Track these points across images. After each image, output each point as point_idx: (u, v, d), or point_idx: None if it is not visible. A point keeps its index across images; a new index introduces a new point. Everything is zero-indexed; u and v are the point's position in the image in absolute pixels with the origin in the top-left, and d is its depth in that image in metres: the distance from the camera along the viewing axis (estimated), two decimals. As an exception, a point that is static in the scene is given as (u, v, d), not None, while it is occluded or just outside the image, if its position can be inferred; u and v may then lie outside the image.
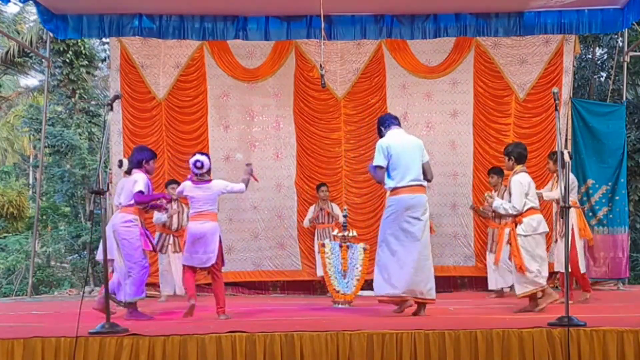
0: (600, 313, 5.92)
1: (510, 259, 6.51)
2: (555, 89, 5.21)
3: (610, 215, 9.49)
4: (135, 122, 9.70)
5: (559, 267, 7.08)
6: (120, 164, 6.46)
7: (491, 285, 8.65)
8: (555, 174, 7.34)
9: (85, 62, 14.16)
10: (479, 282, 9.49)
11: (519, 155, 6.34)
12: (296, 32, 9.17)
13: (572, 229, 6.98)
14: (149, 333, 4.56)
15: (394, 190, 5.96)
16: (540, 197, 6.75)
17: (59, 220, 14.69)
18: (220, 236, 6.17)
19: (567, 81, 9.59)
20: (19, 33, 16.47)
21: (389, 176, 6.02)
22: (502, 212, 6.40)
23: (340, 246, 7.59)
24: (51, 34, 9.99)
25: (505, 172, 7.24)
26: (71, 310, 6.20)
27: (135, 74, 9.68)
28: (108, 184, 9.14)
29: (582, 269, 7.35)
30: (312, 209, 9.43)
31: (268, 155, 9.81)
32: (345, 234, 7.71)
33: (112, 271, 6.37)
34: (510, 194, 6.28)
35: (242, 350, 4.44)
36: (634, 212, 11.48)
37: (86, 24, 9.05)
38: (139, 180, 6.16)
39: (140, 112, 9.72)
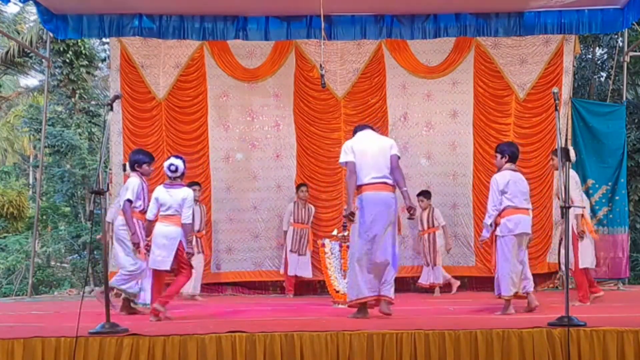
0: (600, 313, 5.91)
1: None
2: (555, 89, 5.19)
3: (610, 215, 9.50)
4: (135, 122, 9.71)
5: (582, 264, 7.07)
6: (124, 168, 6.49)
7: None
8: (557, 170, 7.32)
9: (85, 62, 14.15)
10: (479, 282, 9.50)
11: (512, 154, 6.30)
12: (296, 32, 9.18)
13: (573, 229, 6.96)
14: (149, 333, 4.56)
15: (359, 188, 5.80)
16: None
17: (59, 220, 14.68)
18: (181, 241, 5.96)
19: (567, 81, 9.60)
20: (19, 33, 16.46)
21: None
22: (489, 222, 6.18)
23: (340, 246, 7.59)
24: (51, 34, 10.00)
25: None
26: (71, 310, 6.20)
27: (135, 74, 9.68)
28: (108, 184, 9.22)
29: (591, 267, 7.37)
30: (290, 208, 9.38)
31: (268, 155, 9.82)
32: (345, 234, 7.70)
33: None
34: None
35: (242, 350, 4.44)
36: (634, 212, 11.48)
37: (86, 24, 9.06)
38: (129, 187, 6.22)
39: (140, 112, 9.73)
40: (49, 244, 14.02)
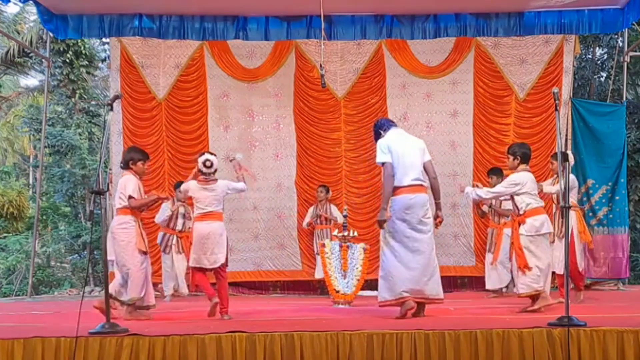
0: (600, 313, 5.91)
1: (510, 259, 6.49)
2: (555, 89, 5.18)
3: (610, 215, 9.49)
4: (135, 122, 9.71)
5: (557, 268, 7.00)
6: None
7: (488, 285, 8.67)
8: (556, 174, 7.31)
9: (85, 62, 14.15)
10: (479, 282, 9.49)
11: (523, 155, 6.29)
12: (296, 32, 9.17)
13: (572, 230, 6.96)
14: (149, 333, 4.55)
15: (395, 190, 5.83)
16: (540, 189, 6.70)
17: (59, 220, 14.67)
18: (227, 237, 6.17)
19: (567, 81, 9.60)
20: (19, 33, 16.45)
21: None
22: (475, 197, 6.31)
23: (341, 246, 7.60)
24: (51, 34, 10.00)
25: (506, 172, 7.21)
26: (71, 310, 6.20)
27: (135, 74, 9.69)
28: (108, 184, 9.24)
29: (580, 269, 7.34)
30: (310, 210, 9.44)
31: (268, 155, 9.82)
32: (346, 234, 7.71)
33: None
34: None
35: (242, 350, 4.44)
36: (634, 212, 11.47)
37: (86, 24, 9.05)
38: (128, 184, 5.99)
39: (140, 112, 9.74)
40: (49, 244, 14.01)
